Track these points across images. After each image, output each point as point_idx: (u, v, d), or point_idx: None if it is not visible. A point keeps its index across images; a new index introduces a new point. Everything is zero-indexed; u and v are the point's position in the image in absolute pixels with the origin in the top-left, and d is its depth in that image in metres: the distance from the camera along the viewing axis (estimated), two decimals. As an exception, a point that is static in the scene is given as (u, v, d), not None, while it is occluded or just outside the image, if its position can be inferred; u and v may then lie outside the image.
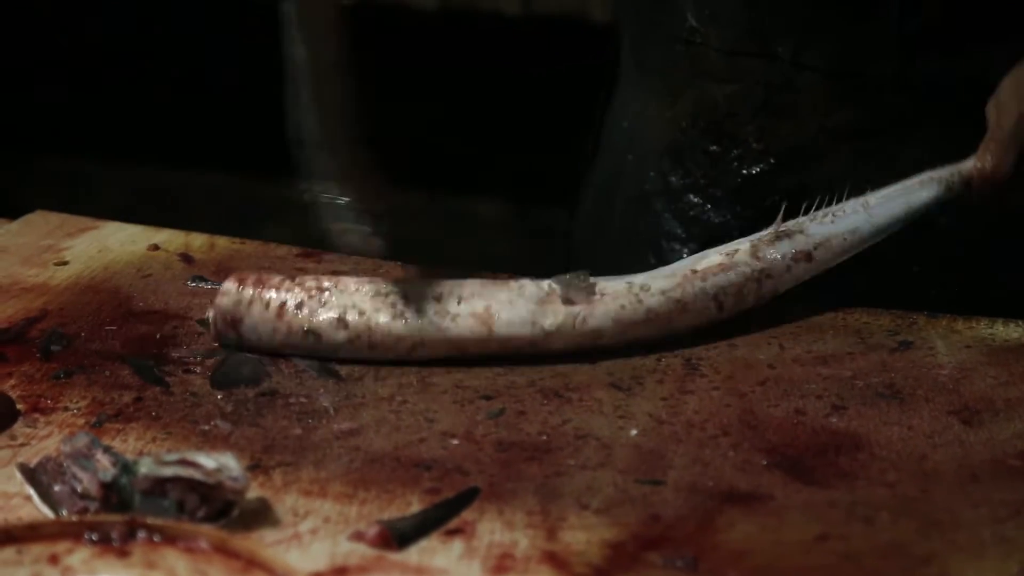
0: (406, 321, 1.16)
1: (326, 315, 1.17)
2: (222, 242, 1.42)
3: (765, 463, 1.02)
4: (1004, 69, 1.26)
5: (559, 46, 2.83)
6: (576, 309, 1.17)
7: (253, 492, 0.97)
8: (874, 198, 1.26)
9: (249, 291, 1.18)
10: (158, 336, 1.22)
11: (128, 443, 1.05)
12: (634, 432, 1.07)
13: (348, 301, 1.17)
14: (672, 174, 1.43)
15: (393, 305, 1.17)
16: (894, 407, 1.09)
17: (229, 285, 1.19)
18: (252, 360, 1.17)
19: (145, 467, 0.93)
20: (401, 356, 1.17)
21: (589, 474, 1.01)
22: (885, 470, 1.00)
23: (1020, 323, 1.22)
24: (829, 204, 1.26)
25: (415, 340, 1.17)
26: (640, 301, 1.18)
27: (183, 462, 0.93)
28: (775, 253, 1.23)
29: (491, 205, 3.33)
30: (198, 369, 1.16)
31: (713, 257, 1.23)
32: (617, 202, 1.48)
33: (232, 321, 1.18)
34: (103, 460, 0.94)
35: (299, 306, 1.17)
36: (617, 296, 1.18)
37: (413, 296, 1.17)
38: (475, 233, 3.33)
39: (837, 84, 1.35)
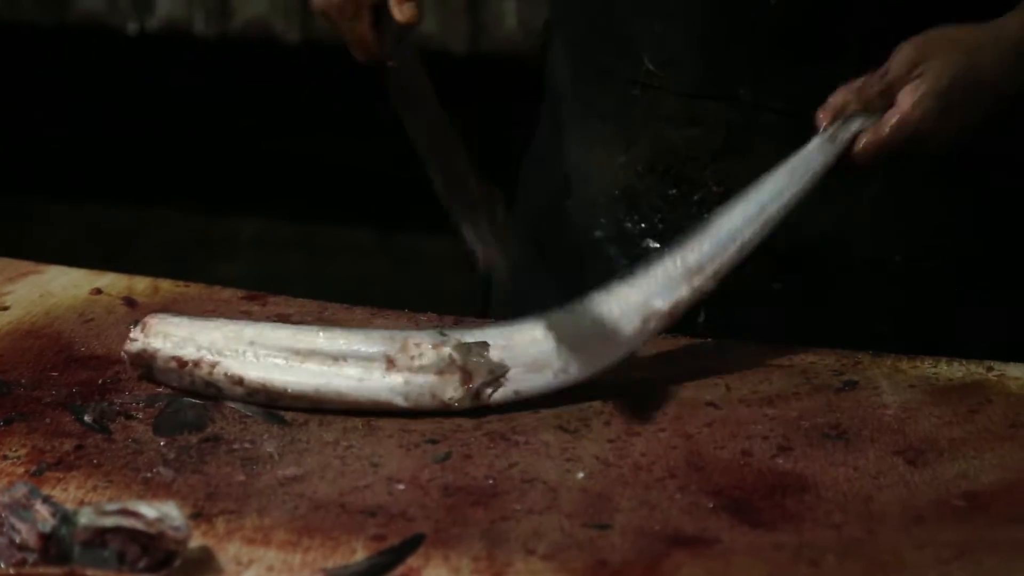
0: (300, 382, 1.16)
1: (222, 372, 1.17)
2: (166, 285, 1.41)
3: (712, 505, 1.02)
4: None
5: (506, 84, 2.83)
6: (475, 385, 1.16)
7: (195, 541, 0.96)
8: (755, 190, 1.23)
9: (153, 341, 1.18)
10: (100, 382, 1.21)
11: (69, 492, 1.03)
12: (581, 475, 1.06)
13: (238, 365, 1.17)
14: (627, 220, 1.43)
15: (288, 366, 1.17)
16: (840, 448, 1.09)
17: (135, 333, 1.19)
18: (196, 405, 1.16)
19: (85, 517, 0.92)
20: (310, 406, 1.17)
21: (536, 518, 1.00)
22: (831, 511, 1.00)
23: (963, 362, 1.23)
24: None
25: (313, 400, 1.16)
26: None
27: (124, 512, 0.92)
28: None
29: (441, 241, 3.33)
30: (140, 415, 1.15)
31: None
32: (551, 250, 1.47)
33: (145, 364, 1.19)
34: (42, 511, 0.93)
35: (196, 364, 1.17)
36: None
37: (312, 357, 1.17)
38: (425, 270, 3.32)
39: (797, 124, 1.33)
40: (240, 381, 1.16)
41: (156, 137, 4.05)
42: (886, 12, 1.31)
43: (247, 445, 1.11)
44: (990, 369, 1.21)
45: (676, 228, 1.38)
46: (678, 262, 1.20)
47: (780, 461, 1.08)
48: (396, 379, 1.15)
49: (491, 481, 1.05)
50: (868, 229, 1.37)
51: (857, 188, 1.36)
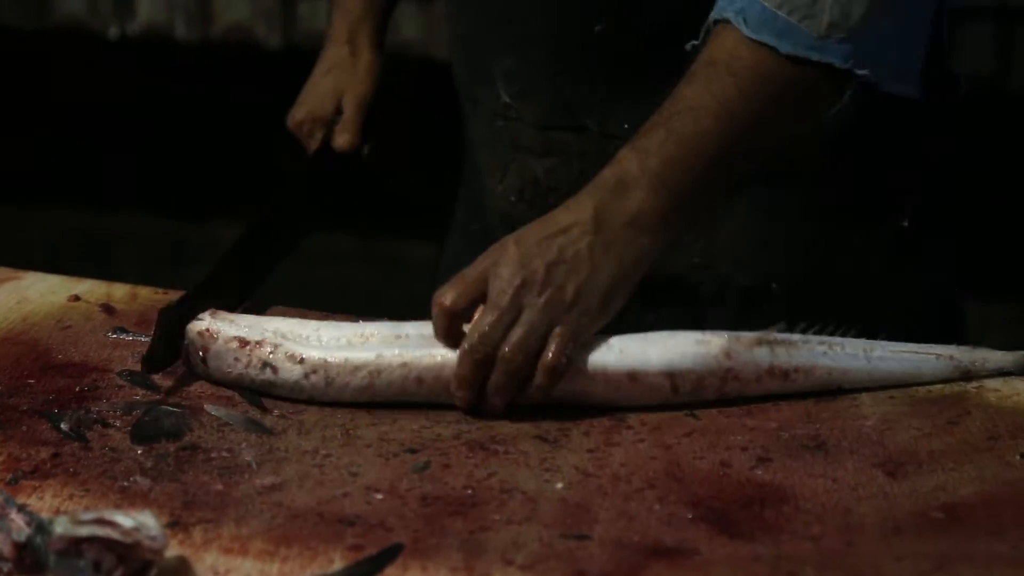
0: (362, 355, 1.18)
1: (283, 352, 1.19)
2: (144, 292, 1.40)
3: (691, 516, 1.02)
4: None
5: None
6: None
7: (172, 551, 0.95)
8: (881, 349, 1.21)
9: (219, 323, 1.21)
10: (77, 389, 1.20)
11: (45, 501, 1.02)
12: (560, 485, 1.06)
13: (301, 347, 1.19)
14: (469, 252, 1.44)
15: (350, 346, 1.19)
16: (819, 459, 1.09)
17: (203, 316, 1.22)
18: (174, 413, 1.16)
19: (61, 527, 0.92)
20: (357, 390, 1.18)
21: (514, 529, 1.00)
22: (810, 523, 1.00)
23: (943, 373, 1.23)
24: (834, 333, 1.22)
25: (373, 373, 1.17)
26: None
27: (100, 521, 0.92)
28: (749, 358, 1.18)
29: (423, 248, 3.33)
30: (118, 423, 1.14)
31: (683, 339, 1.19)
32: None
33: (203, 346, 1.20)
34: (17, 520, 0.92)
35: (259, 343, 1.19)
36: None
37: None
38: (407, 276, 3.32)
39: None
40: (300, 360, 1.18)
41: (136, 142, 4.04)
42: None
43: (225, 454, 1.10)
44: (969, 381, 1.21)
45: None
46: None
47: (759, 472, 1.08)
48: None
49: (470, 491, 1.05)
50: (738, 257, 1.38)
51: (718, 219, 1.37)
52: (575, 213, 1.19)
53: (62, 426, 1.13)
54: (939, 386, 1.21)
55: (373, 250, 3.64)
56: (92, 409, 1.17)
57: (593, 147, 1.38)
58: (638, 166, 1.18)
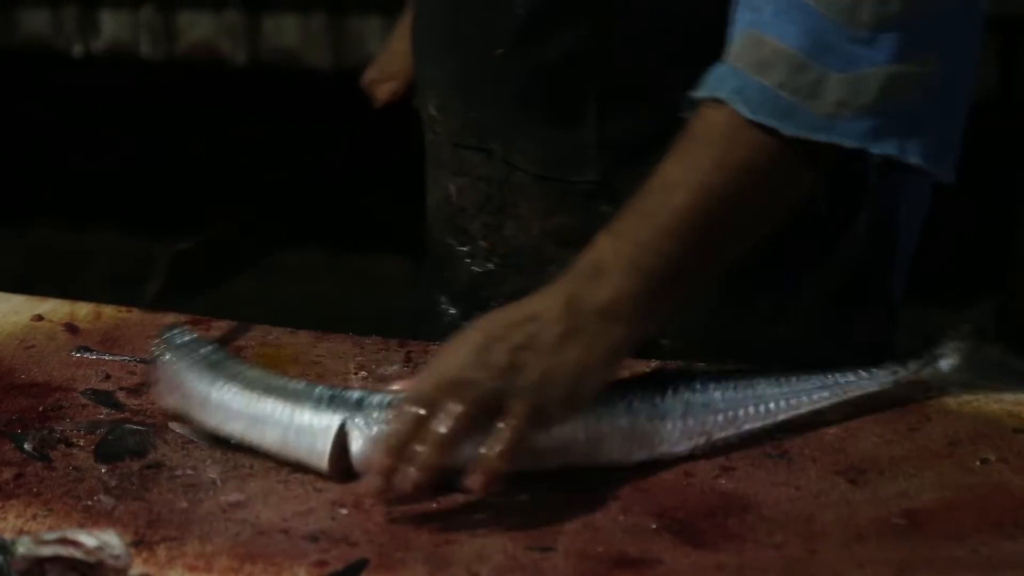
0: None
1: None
2: (108, 311, 1.40)
3: (655, 526, 1.02)
4: None
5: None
6: None
7: (136, 569, 0.95)
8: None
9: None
10: (41, 409, 1.20)
11: (8, 521, 1.02)
12: (524, 498, 1.06)
13: None
14: (429, 266, 1.45)
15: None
16: (782, 467, 1.10)
17: None
18: (138, 431, 1.16)
19: (23, 547, 0.91)
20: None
21: (479, 541, 1.00)
22: (773, 531, 1.01)
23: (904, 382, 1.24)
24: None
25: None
26: None
27: (63, 541, 0.92)
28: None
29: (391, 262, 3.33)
30: (82, 442, 1.14)
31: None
32: None
33: None
34: (-20, 540, 0.92)
35: None
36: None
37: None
38: (374, 290, 3.32)
39: (546, 191, 1.33)
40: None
41: (101, 160, 4.03)
42: (618, 78, 1.27)
43: (189, 471, 1.10)
44: (928, 389, 1.22)
45: (452, 280, 1.40)
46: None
47: (723, 481, 1.08)
48: None
49: (435, 504, 1.05)
50: None
51: None
52: (547, 300, 1.11)
53: (25, 446, 1.13)
54: (902, 394, 1.22)
55: (340, 264, 3.64)
56: (56, 428, 1.16)
57: (498, 173, 1.35)
58: (612, 251, 1.11)
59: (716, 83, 1.13)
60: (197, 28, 3.66)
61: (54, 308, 1.40)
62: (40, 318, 1.38)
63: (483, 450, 1.03)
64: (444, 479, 1.04)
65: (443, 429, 1.03)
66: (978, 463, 1.10)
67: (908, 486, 1.07)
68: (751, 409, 1.14)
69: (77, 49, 3.80)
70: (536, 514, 1.04)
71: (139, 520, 1.03)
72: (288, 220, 1.56)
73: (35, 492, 1.06)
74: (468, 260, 1.38)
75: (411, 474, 1.02)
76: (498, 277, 1.38)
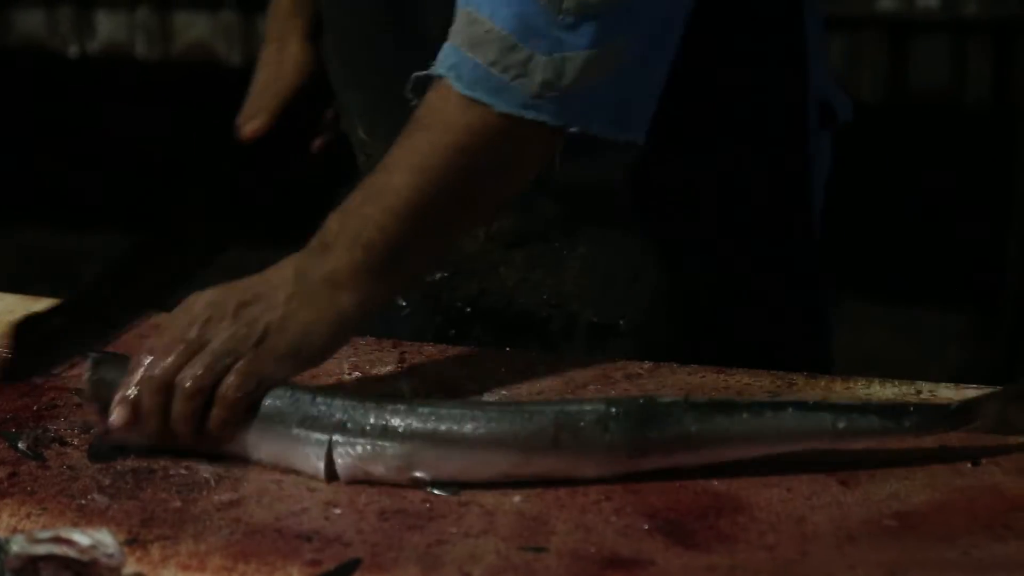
0: None
1: None
2: (103, 310, 1.40)
3: (647, 527, 1.02)
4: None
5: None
6: None
7: (130, 567, 0.96)
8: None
9: None
10: (35, 408, 1.20)
11: (1, 520, 1.03)
12: (517, 498, 1.07)
13: None
14: None
15: None
16: (774, 469, 1.10)
17: None
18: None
19: (17, 545, 0.92)
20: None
21: (472, 542, 1.00)
22: (764, 533, 1.01)
23: (896, 383, 1.24)
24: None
25: None
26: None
27: (57, 539, 0.92)
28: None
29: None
30: (76, 441, 1.15)
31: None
32: None
33: None
34: (-27, 539, 0.92)
35: None
36: None
37: None
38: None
39: None
40: None
41: (97, 160, 4.02)
42: None
43: (183, 471, 1.10)
44: (919, 391, 1.22)
45: (413, 289, 1.40)
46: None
47: (715, 483, 1.08)
48: None
49: (428, 505, 1.06)
50: (583, 295, 1.38)
51: (558, 260, 1.38)
52: (278, 270, 1.18)
53: (19, 445, 1.13)
54: (891, 394, 1.22)
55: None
56: (50, 428, 1.17)
57: None
58: (337, 227, 1.18)
59: (439, 60, 1.20)
60: (193, 29, 3.66)
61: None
62: (35, 317, 1.38)
63: (218, 392, 1.12)
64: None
65: (198, 361, 1.12)
66: (969, 465, 1.10)
67: (899, 488, 1.07)
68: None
69: (73, 50, 3.80)
70: (528, 514, 1.04)
71: (133, 519, 1.03)
72: (286, 223, 1.54)
73: (29, 491, 1.07)
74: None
75: (176, 408, 1.11)
76: (454, 282, 1.39)
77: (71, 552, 0.91)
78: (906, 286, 3.45)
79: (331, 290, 1.16)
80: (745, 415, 1.09)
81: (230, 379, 1.12)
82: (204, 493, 1.07)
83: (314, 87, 1.50)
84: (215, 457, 1.12)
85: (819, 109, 1.42)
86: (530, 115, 1.17)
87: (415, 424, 1.09)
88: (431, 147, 1.18)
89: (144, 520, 1.03)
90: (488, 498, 1.06)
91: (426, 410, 1.09)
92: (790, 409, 1.09)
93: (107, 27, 3.79)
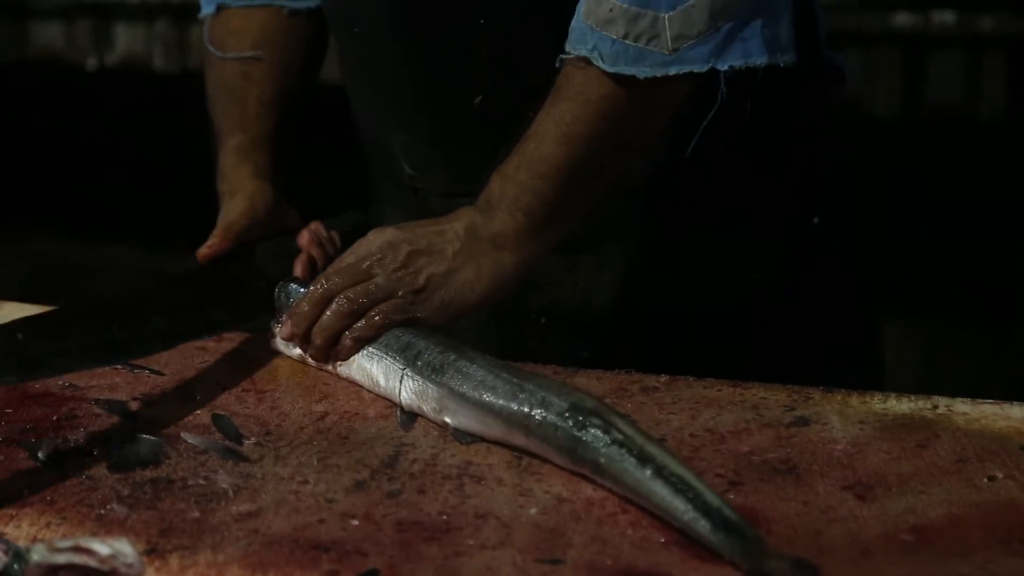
0: None
1: None
2: (122, 321, 1.41)
3: (663, 540, 1.03)
4: None
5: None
6: None
7: (149, 577, 0.96)
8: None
9: None
10: (55, 418, 1.21)
11: (21, 529, 1.03)
12: (534, 511, 1.07)
13: None
14: None
15: None
16: (790, 483, 1.11)
17: None
18: (150, 441, 1.16)
19: (37, 554, 0.92)
20: None
21: (488, 554, 1.01)
22: (781, 546, 1.01)
23: (912, 397, 1.24)
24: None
25: None
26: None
27: (76, 548, 0.92)
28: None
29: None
30: (95, 451, 1.15)
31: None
32: None
33: None
34: (-6, 548, 0.93)
35: None
36: None
37: None
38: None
39: None
40: None
41: (114, 172, 4.04)
42: None
43: (202, 481, 1.11)
44: (936, 406, 1.22)
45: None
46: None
47: (731, 496, 1.08)
48: None
49: (445, 517, 1.06)
50: (650, 292, 1.45)
51: (625, 259, 1.43)
52: (452, 221, 1.30)
53: (39, 455, 1.14)
54: (908, 410, 1.22)
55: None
56: (69, 438, 1.17)
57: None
58: (499, 190, 1.30)
59: (577, 41, 1.27)
60: (210, 42, 3.67)
61: (68, 318, 1.41)
62: (54, 328, 1.38)
63: (348, 331, 1.27)
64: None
65: (344, 312, 1.27)
66: (986, 480, 1.10)
67: (916, 502, 1.07)
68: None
69: (91, 62, 3.82)
70: (545, 527, 1.04)
71: (152, 529, 1.03)
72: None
73: (49, 500, 1.07)
74: None
75: (323, 320, 1.28)
76: (521, 297, 1.41)
77: (91, 561, 0.92)
78: (922, 300, 3.44)
79: (496, 250, 1.29)
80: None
81: (383, 306, 1.27)
82: (222, 503, 1.07)
83: (263, 227, 1.47)
84: (233, 468, 1.13)
85: (829, 70, 1.47)
86: (674, 70, 1.24)
87: (449, 376, 1.20)
88: (574, 119, 1.26)
89: (163, 530, 1.03)
90: (505, 510, 1.07)
91: (462, 366, 1.20)
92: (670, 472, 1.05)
93: (125, 39, 3.80)
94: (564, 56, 1.28)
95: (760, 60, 1.25)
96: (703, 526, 1.00)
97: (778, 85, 1.33)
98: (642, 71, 1.24)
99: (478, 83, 1.37)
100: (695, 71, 1.25)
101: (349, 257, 1.30)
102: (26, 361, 1.19)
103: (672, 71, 1.24)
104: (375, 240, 1.30)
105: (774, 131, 1.42)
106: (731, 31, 1.24)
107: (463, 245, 1.29)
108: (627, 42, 1.24)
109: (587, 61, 1.26)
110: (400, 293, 1.27)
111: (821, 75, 1.46)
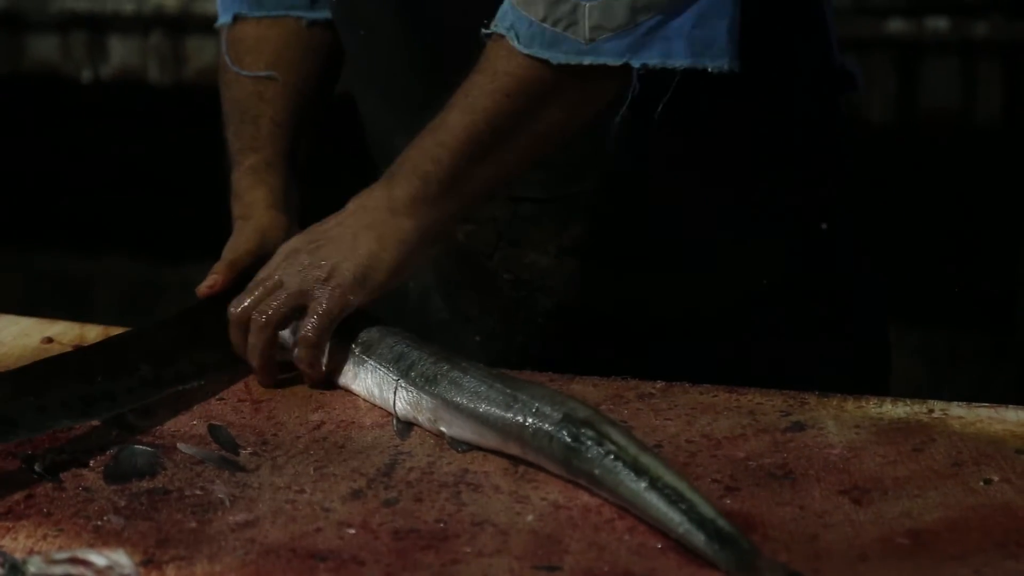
0: None
1: None
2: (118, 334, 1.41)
3: (660, 546, 1.03)
4: None
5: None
6: None
7: (146, 588, 0.96)
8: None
9: None
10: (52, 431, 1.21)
11: (18, 541, 1.03)
12: (531, 517, 1.07)
13: None
14: (447, 307, 1.49)
15: None
16: (786, 487, 1.11)
17: None
18: (147, 452, 1.16)
19: (34, 566, 0.92)
20: None
21: (485, 561, 1.01)
22: (777, 551, 1.01)
23: (908, 401, 1.25)
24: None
25: None
26: None
27: (73, 560, 0.92)
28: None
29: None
30: (91, 463, 1.15)
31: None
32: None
33: None
34: (-9, 559, 0.93)
35: None
36: None
37: None
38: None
39: (556, 208, 1.40)
40: None
41: (110, 184, 4.04)
42: None
43: (198, 492, 1.11)
44: (931, 411, 1.22)
45: (488, 312, 1.45)
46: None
47: (728, 501, 1.09)
48: None
49: (441, 524, 1.06)
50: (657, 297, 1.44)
51: (632, 264, 1.43)
52: (348, 208, 1.31)
53: (36, 467, 1.14)
54: (904, 414, 1.22)
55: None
56: (65, 449, 1.17)
57: (504, 211, 1.42)
58: (403, 157, 1.31)
59: (500, 18, 1.27)
60: (205, 53, 3.68)
61: (63, 330, 1.41)
62: (50, 340, 1.39)
63: (299, 334, 1.28)
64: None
65: (261, 325, 1.28)
66: (982, 484, 1.10)
67: (912, 506, 1.07)
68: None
69: (86, 74, 3.82)
70: (542, 533, 1.04)
71: (148, 540, 1.03)
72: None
73: (45, 512, 1.07)
74: (494, 296, 1.40)
75: (251, 341, 1.29)
76: (529, 302, 1.41)
77: (88, 573, 0.92)
78: (918, 305, 3.45)
79: (392, 217, 1.29)
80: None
81: (307, 322, 1.28)
82: (219, 514, 1.07)
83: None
84: (229, 478, 1.13)
85: (838, 74, 1.46)
86: (588, 60, 1.23)
87: (443, 387, 1.20)
88: (483, 92, 1.27)
89: (160, 541, 1.03)
90: (502, 517, 1.07)
91: (455, 377, 1.20)
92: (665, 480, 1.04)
93: (120, 52, 3.81)
94: (485, 32, 1.28)
95: (681, 62, 1.24)
96: (698, 538, 1.00)
97: (785, 90, 1.33)
98: (555, 56, 1.24)
99: None
100: (609, 64, 1.23)
101: (258, 276, 1.32)
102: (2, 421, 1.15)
103: (586, 61, 1.23)
104: (279, 253, 1.32)
105: (781, 135, 1.42)
106: (652, 28, 1.23)
107: (360, 222, 1.30)
108: (545, 25, 1.24)
109: (503, 39, 1.26)
110: (312, 288, 1.28)
111: (831, 80, 1.45)
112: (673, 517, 1.02)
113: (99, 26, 3.81)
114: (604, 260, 1.42)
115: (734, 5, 1.25)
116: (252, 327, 1.29)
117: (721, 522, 1.00)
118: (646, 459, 1.06)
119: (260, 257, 1.39)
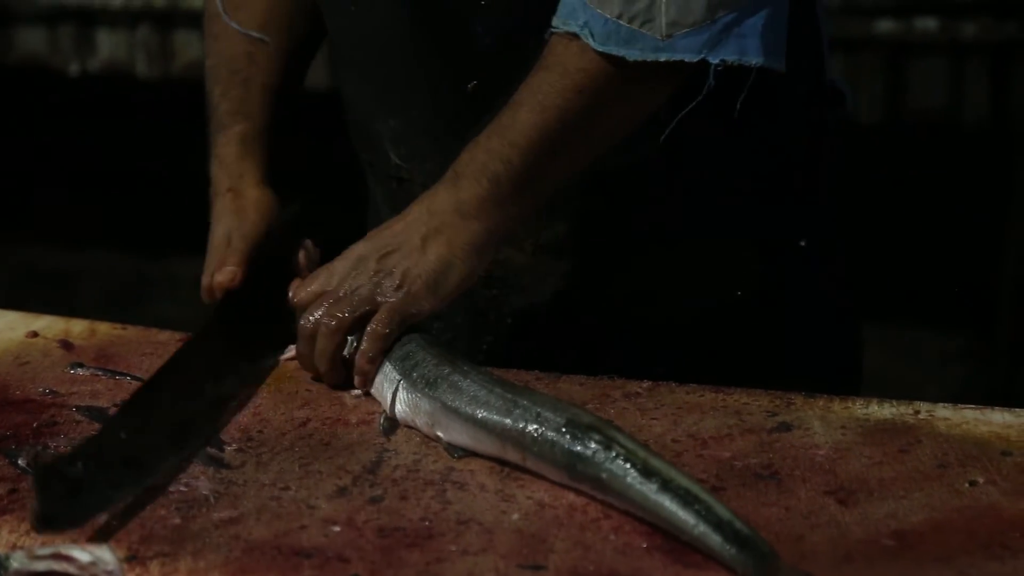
0: None
1: None
2: (103, 328, 1.41)
3: (645, 546, 1.03)
4: None
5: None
6: None
7: (129, 584, 0.96)
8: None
9: None
10: (35, 425, 1.20)
11: (1, 536, 1.03)
12: (516, 516, 1.07)
13: None
14: None
15: None
16: (772, 488, 1.11)
17: None
18: (131, 448, 1.16)
19: (17, 561, 0.92)
20: None
21: (471, 560, 1.01)
22: (763, 551, 1.01)
23: (894, 403, 1.25)
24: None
25: None
26: None
27: (57, 556, 0.92)
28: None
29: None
30: (76, 458, 1.14)
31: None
32: None
33: None
34: (-27, 555, 0.92)
35: None
36: None
37: None
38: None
39: (545, 207, 1.38)
40: None
41: (96, 178, 4.03)
42: None
43: (183, 488, 1.10)
44: (917, 412, 1.23)
45: (456, 310, 1.42)
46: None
47: (713, 501, 1.08)
48: None
49: (427, 523, 1.06)
50: (633, 303, 1.44)
51: (608, 269, 1.42)
52: (413, 208, 1.30)
53: (19, 462, 1.13)
54: (889, 415, 1.23)
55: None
56: (50, 444, 1.17)
57: None
58: (468, 158, 1.28)
59: (568, 16, 1.25)
60: (193, 48, 3.67)
61: (49, 325, 1.41)
62: (35, 334, 1.38)
63: (359, 349, 1.26)
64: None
65: (332, 330, 1.26)
66: (967, 485, 1.10)
67: (897, 507, 1.07)
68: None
69: (73, 68, 3.81)
70: (527, 532, 1.04)
71: (132, 536, 1.03)
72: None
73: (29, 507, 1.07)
74: (462, 294, 1.40)
75: (319, 345, 1.27)
76: (500, 300, 1.40)
77: (71, 569, 0.91)
78: (904, 306, 3.45)
79: (462, 220, 1.28)
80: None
81: (379, 314, 1.25)
82: (203, 510, 1.07)
83: (282, 229, 1.43)
84: (214, 475, 1.12)
85: (830, 93, 1.47)
86: (664, 57, 1.22)
87: (441, 391, 1.19)
88: (554, 90, 1.25)
89: (144, 537, 1.03)
90: (487, 516, 1.07)
91: (455, 380, 1.19)
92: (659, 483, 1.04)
93: (108, 45, 3.79)
94: (552, 30, 1.26)
95: (755, 60, 1.24)
96: (714, 539, 0.99)
97: (778, 103, 1.33)
98: (631, 54, 1.22)
99: (473, 68, 1.35)
100: (686, 60, 1.22)
101: (326, 285, 1.29)
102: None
103: (662, 57, 1.22)
104: (342, 262, 1.30)
105: (769, 150, 1.41)
106: (728, 24, 1.22)
107: (428, 227, 1.27)
108: (620, 22, 1.22)
109: (575, 37, 1.24)
110: (382, 298, 1.26)
111: (822, 99, 1.45)
112: (687, 519, 1.01)
113: (87, 19, 3.80)
114: (581, 259, 1.41)
115: (786, 8, 1.27)
116: (322, 330, 1.27)
117: (739, 524, 1.00)
118: (656, 462, 1.06)
119: (267, 237, 1.40)
